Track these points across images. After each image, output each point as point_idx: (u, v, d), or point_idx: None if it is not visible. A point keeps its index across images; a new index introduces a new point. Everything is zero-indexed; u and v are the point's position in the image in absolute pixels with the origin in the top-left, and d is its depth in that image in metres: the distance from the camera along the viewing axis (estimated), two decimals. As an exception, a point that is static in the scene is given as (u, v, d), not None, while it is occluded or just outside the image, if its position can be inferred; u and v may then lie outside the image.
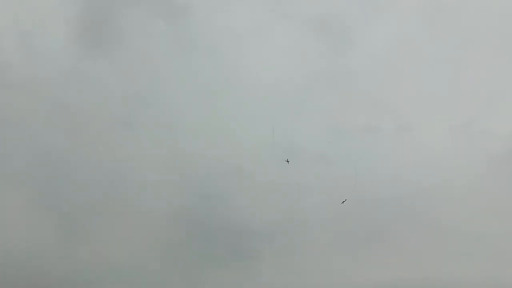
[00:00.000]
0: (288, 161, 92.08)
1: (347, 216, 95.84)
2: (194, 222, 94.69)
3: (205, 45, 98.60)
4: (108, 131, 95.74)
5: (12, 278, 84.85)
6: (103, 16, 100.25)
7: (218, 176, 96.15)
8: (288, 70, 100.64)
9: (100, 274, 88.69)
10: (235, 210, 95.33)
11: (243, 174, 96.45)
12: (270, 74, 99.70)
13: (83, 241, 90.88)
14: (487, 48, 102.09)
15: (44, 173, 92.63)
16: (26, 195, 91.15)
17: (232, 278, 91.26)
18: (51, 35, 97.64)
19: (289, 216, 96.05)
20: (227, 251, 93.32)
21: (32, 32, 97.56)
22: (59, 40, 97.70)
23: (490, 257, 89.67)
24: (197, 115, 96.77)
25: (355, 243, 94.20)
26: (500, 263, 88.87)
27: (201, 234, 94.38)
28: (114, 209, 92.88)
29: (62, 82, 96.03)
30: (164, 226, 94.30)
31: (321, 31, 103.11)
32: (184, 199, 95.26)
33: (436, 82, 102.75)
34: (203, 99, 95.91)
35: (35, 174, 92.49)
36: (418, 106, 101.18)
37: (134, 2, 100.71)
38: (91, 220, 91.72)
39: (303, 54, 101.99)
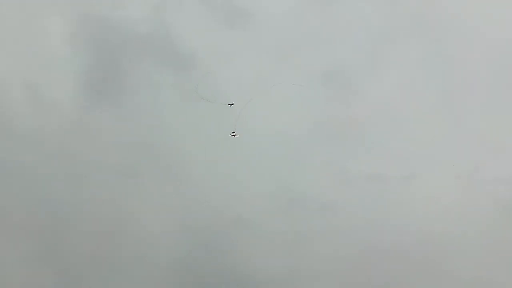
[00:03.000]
0: None
1: (352, 266, 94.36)
2: (195, 272, 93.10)
3: (210, 95, 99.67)
4: (111, 181, 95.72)
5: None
6: (111, 67, 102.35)
7: (220, 225, 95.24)
8: (293, 119, 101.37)
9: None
10: (238, 260, 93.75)
11: (246, 223, 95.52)
12: (275, 123, 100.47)
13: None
14: (490, 95, 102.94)
15: (44, 225, 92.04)
16: (26, 247, 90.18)
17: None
18: (58, 86, 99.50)
19: (292, 266, 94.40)
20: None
21: (40, 82, 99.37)
22: (66, 90, 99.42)
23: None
24: (200, 165, 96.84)
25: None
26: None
27: (202, 285, 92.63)
28: (114, 261, 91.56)
29: (67, 132, 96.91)
30: (165, 277, 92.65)
31: (326, 81, 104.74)
32: (186, 249, 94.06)
33: (440, 130, 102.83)
34: (207, 149, 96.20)
35: (35, 225, 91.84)
36: (422, 155, 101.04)
37: (141, 53, 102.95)
38: (91, 273, 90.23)
39: (308, 103, 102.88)
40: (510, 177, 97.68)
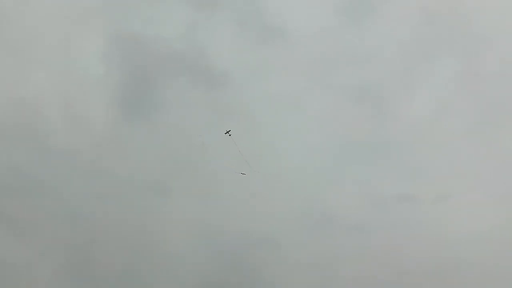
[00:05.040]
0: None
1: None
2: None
3: (242, 113, 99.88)
4: (141, 197, 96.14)
5: None
6: (144, 85, 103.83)
7: (249, 246, 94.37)
8: (324, 139, 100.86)
9: None
10: (265, 280, 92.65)
11: (273, 243, 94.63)
12: (306, 142, 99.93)
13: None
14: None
15: (74, 240, 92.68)
16: (56, 262, 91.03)
17: None
18: (92, 104, 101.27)
19: (320, 287, 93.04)
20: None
21: (75, 100, 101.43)
22: (100, 108, 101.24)
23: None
24: (231, 184, 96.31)
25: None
26: None
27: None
28: (142, 279, 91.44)
29: (100, 149, 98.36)
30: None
31: (358, 100, 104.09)
32: (213, 269, 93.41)
33: (475, 151, 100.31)
34: (238, 167, 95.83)
35: (66, 240, 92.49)
36: (456, 175, 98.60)
37: (174, 71, 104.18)
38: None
39: (340, 122, 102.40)
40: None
